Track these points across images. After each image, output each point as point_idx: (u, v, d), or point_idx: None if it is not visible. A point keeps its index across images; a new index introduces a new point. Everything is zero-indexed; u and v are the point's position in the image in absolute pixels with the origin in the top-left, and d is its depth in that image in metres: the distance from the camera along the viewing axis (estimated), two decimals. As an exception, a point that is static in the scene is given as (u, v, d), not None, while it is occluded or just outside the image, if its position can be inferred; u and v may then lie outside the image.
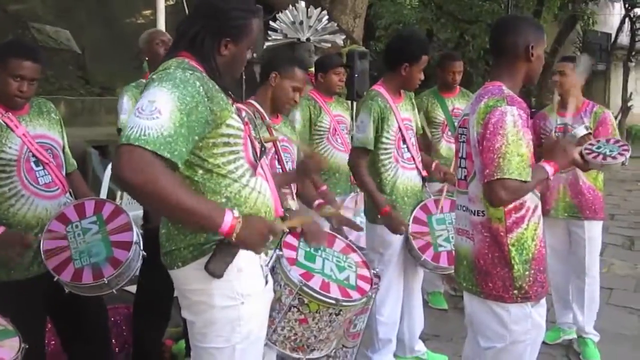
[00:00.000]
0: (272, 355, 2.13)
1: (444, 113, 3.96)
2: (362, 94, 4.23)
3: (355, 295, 2.05)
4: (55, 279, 2.21)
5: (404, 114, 3.03)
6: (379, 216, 2.96)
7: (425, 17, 12.77)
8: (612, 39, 19.93)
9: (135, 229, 2.28)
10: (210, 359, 1.77)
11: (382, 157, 2.97)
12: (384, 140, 2.95)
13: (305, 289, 1.92)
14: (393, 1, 12.61)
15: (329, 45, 5.31)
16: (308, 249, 2.11)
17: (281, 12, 5.10)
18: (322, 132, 3.72)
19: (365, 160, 2.99)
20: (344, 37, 5.54)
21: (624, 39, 19.38)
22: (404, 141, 3.00)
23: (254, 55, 4.28)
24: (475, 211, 2.07)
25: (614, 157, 2.69)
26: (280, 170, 2.65)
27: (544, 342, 2.32)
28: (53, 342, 2.72)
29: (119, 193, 4.58)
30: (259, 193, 1.79)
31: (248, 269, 1.75)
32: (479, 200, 2.04)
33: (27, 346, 1.87)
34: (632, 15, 18.71)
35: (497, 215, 2.01)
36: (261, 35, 4.60)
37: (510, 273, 2.01)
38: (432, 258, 2.98)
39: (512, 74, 2.08)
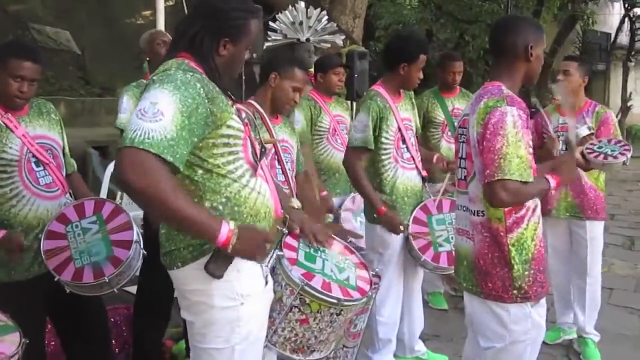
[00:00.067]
0: (272, 357, 2.13)
1: (443, 113, 3.96)
2: (362, 94, 4.23)
3: (356, 295, 2.05)
4: (55, 279, 2.21)
5: (404, 113, 3.03)
6: (376, 216, 2.96)
7: (425, 17, 12.77)
8: (612, 39, 19.93)
9: (135, 227, 2.28)
10: (210, 359, 1.77)
11: (381, 157, 2.97)
12: (383, 140, 2.95)
13: (307, 288, 1.92)
14: (393, 1, 12.61)
15: (329, 45, 5.31)
16: (308, 250, 2.11)
17: (281, 12, 5.10)
18: (322, 132, 3.72)
19: (361, 160, 2.99)
20: (343, 37, 5.54)
21: (624, 38, 19.38)
22: (404, 141, 3.00)
23: (254, 55, 4.29)
24: (475, 211, 2.07)
25: (615, 157, 2.69)
26: (280, 171, 2.65)
27: (544, 342, 2.32)
28: (53, 342, 2.72)
29: (119, 193, 4.57)
30: (259, 193, 1.79)
31: (248, 270, 1.75)
32: (479, 201, 2.04)
33: (27, 341, 1.87)
34: (631, 15, 18.72)
35: (497, 216, 2.01)
36: (261, 36, 4.61)
37: (510, 273, 2.00)
38: (432, 258, 2.98)
39: (512, 74, 2.08)
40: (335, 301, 1.96)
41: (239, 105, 1.89)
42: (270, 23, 5.07)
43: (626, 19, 18.93)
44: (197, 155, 1.68)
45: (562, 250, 3.51)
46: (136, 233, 2.28)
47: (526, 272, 2.01)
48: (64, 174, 2.46)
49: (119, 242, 2.25)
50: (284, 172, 2.66)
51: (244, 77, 4.55)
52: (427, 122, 3.99)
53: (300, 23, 4.98)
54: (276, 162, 2.64)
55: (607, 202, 3.48)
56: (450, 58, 4.10)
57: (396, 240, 3.00)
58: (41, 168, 2.32)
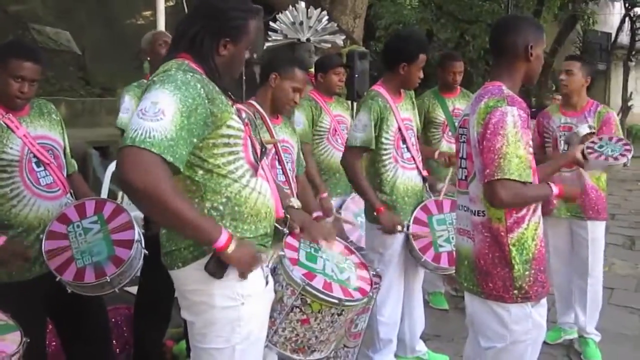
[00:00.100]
0: (273, 357, 2.13)
1: (444, 113, 3.95)
2: (362, 94, 4.23)
3: (357, 295, 2.05)
4: (57, 279, 2.21)
5: (404, 113, 3.03)
6: (375, 214, 2.97)
7: (425, 17, 12.78)
8: (612, 39, 19.94)
9: (136, 227, 2.28)
10: (210, 359, 1.77)
11: (381, 157, 2.97)
12: (383, 140, 2.95)
13: (308, 288, 1.92)
14: (393, 1, 12.62)
15: (329, 45, 5.32)
16: (309, 250, 2.11)
17: (281, 12, 5.11)
18: (322, 133, 3.72)
19: (360, 160, 2.99)
20: (344, 37, 5.54)
21: (624, 38, 19.39)
22: (404, 141, 3.00)
23: (254, 55, 4.29)
24: (475, 211, 2.07)
25: (615, 158, 2.69)
26: (281, 171, 2.65)
27: (545, 342, 2.32)
28: (54, 342, 2.72)
29: (119, 193, 4.58)
30: (259, 194, 1.79)
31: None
32: (480, 201, 2.04)
33: (28, 340, 1.87)
34: (632, 14, 18.73)
35: (498, 216, 2.01)
36: (261, 36, 4.61)
37: (511, 273, 2.00)
38: (433, 259, 2.98)
39: (512, 73, 2.08)
40: (336, 301, 1.96)
41: (239, 106, 1.89)
42: (271, 23, 5.08)
43: (627, 19, 18.94)
44: (198, 155, 1.68)
45: (563, 251, 3.50)
46: (137, 232, 2.28)
47: (527, 272, 2.01)
48: (65, 174, 2.46)
49: (120, 241, 2.25)
50: (285, 172, 2.67)
51: (244, 78, 4.55)
52: (427, 123, 3.99)
53: (301, 23, 4.98)
54: (277, 162, 2.64)
55: (607, 202, 3.47)
56: (451, 58, 4.09)
57: (397, 240, 3.00)
58: (42, 168, 2.32)
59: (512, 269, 2.00)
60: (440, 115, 3.96)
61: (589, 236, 3.35)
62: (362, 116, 2.96)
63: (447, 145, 3.92)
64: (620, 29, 19.16)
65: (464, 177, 2.15)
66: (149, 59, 3.05)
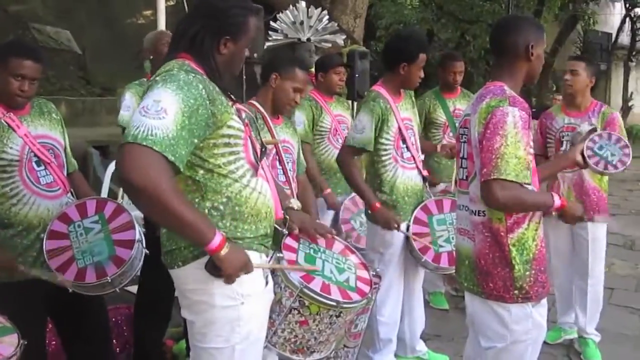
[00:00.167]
0: (273, 358, 2.13)
1: (445, 114, 3.95)
2: (363, 94, 4.23)
3: (355, 296, 2.05)
4: (58, 279, 2.21)
5: (404, 113, 3.03)
6: (370, 212, 2.97)
7: (426, 17, 12.79)
8: (613, 39, 19.94)
9: (137, 227, 2.28)
10: (210, 358, 1.77)
11: (381, 157, 2.97)
12: (383, 141, 2.95)
13: (305, 290, 1.92)
14: (394, 1, 12.63)
15: (330, 45, 5.31)
16: (308, 251, 2.11)
17: (282, 12, 5.10)
18: (323, 132, 3.72)
19: (354, 158, 3.02)
20: (344, 37, 5.53)
21: (625, 38, 19.40)
22: (404, 141, 3.00)
23: (255, 55, 4.28)
24: (476, 211, 2.07)
25: (615, 166, 2.69)
26: (281, 171, 2.65)
27: (545, 342, 2.32)
28: (54, 342, 2.72)
29: (120, 193, 4.58)
30: (260, 194, 1.80)
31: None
32: (480, 200, 2.04)
33: (25, 342, 1.88)
34: (632, 15, 18.74)
35: (498, 216, 2.01)
36: (262, 36, 4.60)
37: (511, 273, 2.00)
38: (433, 259, 2.98)
39: (513, 73, 2.08)
40: (334, 304, 1.95)
41: (239, 106, 1.89)
42: (271, 23, 5.07)
43: (627, 19, 18.95)
44: (198, 155, 1.68)
45: (564, 251, 3.49)
46: (138, 232, 2.27)
47: (527, 273, 2.01)
48: (66, 173, 2.46)
49: (121, 241, 2.25)
50: (285, 173, 2.67)
51: (244, 77, 4.55)
52: (428, 123, 3.99)
53: (301, 23, 4.98)
54: (277, 163, 2.64)
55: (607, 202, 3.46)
56: (451, 58, 4.10)
57: (397, 240, 3.00)
58: (42, 168, 2.32)
59: (513, 269, 2.00)
60: (441, 116, 3.96)
61: (590, 237, 3.34)
62: (362, 117, 2.96)
63: (448, 145, 3.92)
64: (620, 29, 19.17)
65: (464, 177, 2.15)
66: (151, 57, 3.05)
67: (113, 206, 2.35)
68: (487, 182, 1.92)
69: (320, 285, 1.97)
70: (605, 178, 3.36)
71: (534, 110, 3.66)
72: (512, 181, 1.89)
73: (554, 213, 2.09)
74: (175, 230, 1.66)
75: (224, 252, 1.62)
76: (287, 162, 2.68)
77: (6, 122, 2.24)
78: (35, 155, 2.30)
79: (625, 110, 17.95)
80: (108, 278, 2.17)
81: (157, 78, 1.64)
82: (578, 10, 14.87)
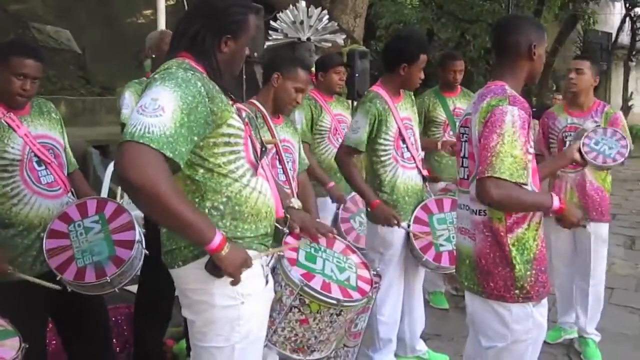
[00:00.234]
0: (274, 357, 2.13)
1: (445, 113, 3.95)
2: (363, 93, 4.23)
3: (356, 295, 2.05)
4: (58, 278, 2.21)
5: (403, 113, 3.03)
6: (370, 210, 2.97)
7: (426, 16, 12.79)
8: (613, 39, 19.95)
9: (137, 227, 2.28)
10: (210, 358, 1.77)
11: (381, 157, 2.98)
12: (382, 141, 2.96)
13: (306, 289, 1.92)
14: (394, 1, 12.64)
15: (330, 44, 5.31)
16: (309, 250, 2.11)
17: (282, 11, 5.10)
18: (323, 132, 3.72)
19: (351, 158, 3.02)
20: (344, 36, 5.53)
21: (625, 38, 19.41)
22: (403, 140, 3.00)
23: (255, 54, 4.28)
24: (476, 210, 2.06)
25: (613, 159, 2.69)
26: (282, 170, 2.65)
27: (545, 342, 2.32)
28: (54, 342, 2.72)
29: (119, 192, 4.59)
30: (260, 193, 1.79)
31: (249, 269, 1.75)
32: (480, 200, 2.03)
33: (27, 345, 1.88)
34: (632, 14, 18.75)
35: (498, 215, 2.01)
36: (262, 35, 4.60)
37: (512, 273, 2.00)
38: (434, 258, 2.98)
39: (515, 73, 2.08)
40: (334, 302, 1.95)
41: (239, 105, 1.89)
42: (271, 22, 5.07)
43: (627, 19, 18.95)
44: (198, 154, 1.68)
45: (566, 251, 3.48)
46: (138, 233, 2.27)
47: (528, 272, 2.01)
48: (66, 173, 2.46)
49: (121, 242, 2.25)
50: (285, 172, 2.66)
51: (244, 77, 4.55)
52: (428, 122, 3.99)
53: (301, 22, 4.98)
54: (277, 162, 2.64)
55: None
56: (451, 57, 4.10)
57: (397, 240, 3.00)
58: (43, 167, 2.32)
59: (514, 268, 2.00)
60: (441, 115, 3.96)
61: (592, 237, 3.33)
62: (358, 117, 2.97)
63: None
64: (620, 28, 19.17)
65: (465, 176, 2.14)
66: (153, 56, 3.04)
67: (113, 206, 2.35)
68: (481, 180, 1.92)
69: (321, 283, 1.97)
70: (609, 178, 3.35)
71: (534, 109, 3.66)
72: (506, 180, 1.88)
73: (551, 215, 2.08)
74: (175, 229, 1.66)
75: (224, 252, 1.62)
76: (287, 162, 2.68)
77: (6, 122, 2.24)
78: (36, 155, 2.30)
79: (625, 110, 17.95)
80: (107, 278, 2.17)
81: (156, 76, 1.64)
82: (578, 10, 14.87)
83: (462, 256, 2.17)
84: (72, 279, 2.20)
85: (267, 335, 1.91)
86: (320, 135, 3.72)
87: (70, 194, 2.43)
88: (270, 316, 1.91)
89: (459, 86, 4.05)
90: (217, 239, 1.61)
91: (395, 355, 3.20)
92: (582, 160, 2.54)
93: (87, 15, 9.83)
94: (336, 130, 3.74)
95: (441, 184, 3.89)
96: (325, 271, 2.06)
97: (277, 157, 2.65)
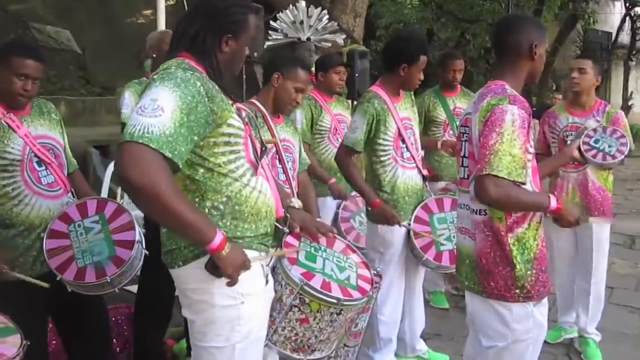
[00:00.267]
0: (274, 357, 2.13)
1: (445, 112, 3.95)
2: (363, 93, 4.23)
3: (356, 294, 2.05)
4: (58, 278, 2.21)
5: (403, 113, 3.03)
6: (370, 209, 2.97)
7: (426, 16, 12.79)
8: (613, 38, 19.94)
9: (137, 228, 2.28)
10: (210, 358, 1.77)
11: (380, 157, 2.98)
12: (381, 141, 2.96)
13: (306, 288, 1.92)
14: (393, 0, 12.63)
15: (330, 44, 5.31)
16: (308, 249, 2.11)
17: (281, 11, 5.10)
18: (323, 132, 3.73)
19: (351, 157, 3.02)
20: (344, 36, 5.53)
21: (625, 37, 19.40)
22: (403, 141, 3.00)
23: (255, 54, 4.28)
24: (477, 210, 2.06)
25: (613, 156, 2.69)
26: (282, 170, 2.65)
27: (545, 341, 2.32)
28: (54, 341, 2.72)
29: (119, 192, 4.59)
30: (260, 192, 1.80)
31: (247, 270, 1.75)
32: (481, 199, 2.03)
33: (28, 342, 1.88)
34: (632, 14, 18.74)
35: (498, 215, 2.00)
36: (262, 35, 4.60)
37: (512, 272, 2.00)
38: (435, 257, 2.98)
39: (515, 72, 2.08)
40: (334, 301, 1.95)
41: (239, 105, 1.89)
42: (271, 22, 5.07)
43: (627, 18, 18.95)
44: (198, 154, 1.68)
45: (567, 251, 3.48)
46: (138, 233, 2.28)
47: (528, 272, 2.01)
48: (66, 173, 2.46)
49: (121, 242, 2.25)
50: (285, 172, 2.67)
51: (244, 76, 4.55)
52: (428, 122, 3.99)
53: (301, 22, 4.98)
54: (277, 162, 2.64)
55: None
56: (451, 56, 4.10)
57: (397, 239, 3.00)
58: (43, 168, 2.32)
59: (514, 268, 2.00)
60: (441, 114, 3.96)
61: (595, 237, 3.33)
62: (356, 117, 2.98)
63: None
64: (620, 28, 19.17)
65: (465, 176, 2.14)
66: (154, 56, 3.04)
67: (113, 206, 2.35)
68: (479, 178, 1.91)
69: (321, 282, 1.97)
70: (610, 178, 3.34)
71: (534, 109, 3.66)
72: (504, 178, 1.88)
73: (549, 216, 2.07)
74: (175, 229, 1.66)
75: (224, 251, 1.62)
76: (288, 161, 2.68)
77: (6, 123, 2.24)
78: (36, 156, 2.30)
79: (625, 109, 17.93)
80: (107, 278, 2.17)
81: (155, 77, 1.64)
82: (578, 10, 14.87)
83: (463, 256, 2.17)
84: (73, 279, 2.20)
85: (267, 335, 1.92)
86: (320, 135, 3.72)
87: (70, 194, 2.43)
88: (271, 315, 1.91)
89: (459, 86, 4.05)
90: (218, 238, 1.61)
91: (396, 354, 3.20)
92: (581, 158, 2.54)
93: (87, 15, 9.83)
94: (336, 130, 3.74)
95: (441, 184, 3.90)
96: (326, 270, 2.06)
97: (277, 156, 2.65)
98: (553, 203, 2.01)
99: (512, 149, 1.89)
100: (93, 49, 9.39)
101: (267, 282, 1.86)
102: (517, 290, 2.00)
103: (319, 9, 5.10)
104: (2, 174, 2.22)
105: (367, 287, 2.13)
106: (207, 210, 1.72)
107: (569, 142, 3.24)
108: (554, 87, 15.10)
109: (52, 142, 2.40)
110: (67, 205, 2.34)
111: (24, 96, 2.25)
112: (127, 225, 2.28)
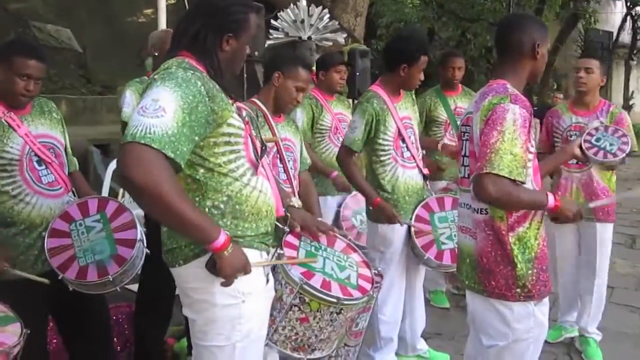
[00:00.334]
0: (274, 356, 2.13)
1: (446, 112, 3.95)
2: (364, 92, 4.23)
3: (356, 294, 2.05)
4: (59, 277, 2.21)
5: (403, 112, 3.03)
6: (371, 208, 2.97)
7: (427, 15, 12.79)
8: (614, 38, 19.92)
9: (139, 226, 2.28)
10: (211, 357, 1.78)
11: (381, 157, 2.98)
12: (381, 141, 2.96)
13: (306, 287, 1.92)
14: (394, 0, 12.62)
15: (330, 43, 5.31)
16: (309, 248, 2.11)
17: (282, 10, 5.10)
18: (323, 131, 3.73)
19: (352, 157, 3.03)
20: (345, 35, 5.54)
21: (626, 37, 19.39)
22: (403, 140, 3.00)
23: (256, 53, 4.29)
24: (478, 209, 2.06)
25: (614, 154, 2.68)
26: (282, 169, 2.65)
27: (545, 341, 2.32)
28: (55, 340, 2.72)
29: (120, 191, 4.59)
30: (260, 192, 1.80)
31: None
32: (481, 198, 2.03)
33: (28, 331, 1.88)
34: (633, 13, 18.73)
35: (499, 214, 2.00)
36: (263, 34, 4.60)
37: (513, 272, 2.00)
38: (436, 256, 2.98)
39: (517, 71, 2.08)
40: (334, 300, 1.95)
41: (239, 104, 1.89)
42: (272, 21, 5.07)
43: (628, 18, 18.94)
44: (199, 154, 1.68)
45: (570, 251, 3.47)
46: (139, 232, 2.28)
47: (529, 271, 2.01)
48: (67, 172, 2.46)
49: (123, 240, 2.25)
50: (286, 171, 2.67)
51: (245, 76, 4.55)
52: (429, 121, 3.99)
53: (302, 21, 4.98)
54: (278, 161, 2.64)
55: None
56: (451, 54, 4.13)
57: (398, 238, 3.00)
58: (43, 167, 2.32)
59: (515, 267, 2.00)
60: (442, 114, 3.96)
61: (598, 237, 3.32)
62: (355, 117, 2.99)
63: (449, 143, 3.91)
64: (621, 27, 19.15)
65: (466, 175, 2.14)
66: (156, 54, 3.04)
67: (115, 205, 2.35)
68: (479, 176, 1.91)
69: (321, 281, 1.98)
70: (614, 178, 3.33)
71: (535, 108, 3.65)
72: (505, 177, 1.87)
73: (546, 214, 2.07)
74: (177, 228, 1.66)
75: (227, 252, 1.62)
76: (288, 161, 2.68)
77: (6, 122, 2.24)
78: (36, 155, 2.30)
79: (626, 109, 17.94)
80: (110, 277, 2.17)
81: (156, 77, 1.64)
82: (579, 9, 14.86)
83: (463, 255, 2.17)
84: (74, 277, 2.20)
85: (267, 334, 1.92)
86: (320, 134, 3.72)
87: (71, 193, 2.43)
88: (271, 315, 1.91)
89: (460, 85, 4.05)
90: (222, 237, 1.61)
91: (396, 354, 3.21)
92: (582, 156, 2.53)
93: (88, 14, 9.83)
94: (337, 129, 3.74)
95: (442, 183, 3.90)
96: (326, 269, 2.06)
97: (278, 155, 2.65)
98: (551, 201, 2.01)
99: (513, 147, 1.89)
100: (94, 48, 9.39)
101: (267, 281, 1.86)
102: (518, 290, 2.00)
103: (320, 7, 5.10)
104: (2, 174, 2.22)
105: (367, 286, 2.13)
106: (207, 209, 1.72)
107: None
108: (555, 87, 15.10)
109: (53, 141, 2.40)
110: (68, 204, 2.34)
111: (26, 96, 2.25)
112: (129, 224, 2.28)
